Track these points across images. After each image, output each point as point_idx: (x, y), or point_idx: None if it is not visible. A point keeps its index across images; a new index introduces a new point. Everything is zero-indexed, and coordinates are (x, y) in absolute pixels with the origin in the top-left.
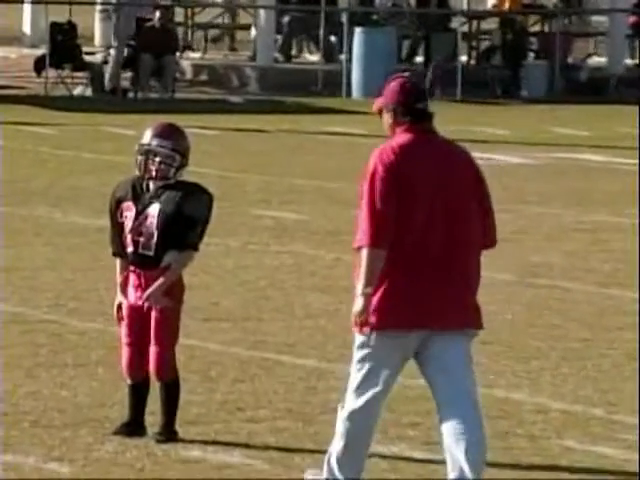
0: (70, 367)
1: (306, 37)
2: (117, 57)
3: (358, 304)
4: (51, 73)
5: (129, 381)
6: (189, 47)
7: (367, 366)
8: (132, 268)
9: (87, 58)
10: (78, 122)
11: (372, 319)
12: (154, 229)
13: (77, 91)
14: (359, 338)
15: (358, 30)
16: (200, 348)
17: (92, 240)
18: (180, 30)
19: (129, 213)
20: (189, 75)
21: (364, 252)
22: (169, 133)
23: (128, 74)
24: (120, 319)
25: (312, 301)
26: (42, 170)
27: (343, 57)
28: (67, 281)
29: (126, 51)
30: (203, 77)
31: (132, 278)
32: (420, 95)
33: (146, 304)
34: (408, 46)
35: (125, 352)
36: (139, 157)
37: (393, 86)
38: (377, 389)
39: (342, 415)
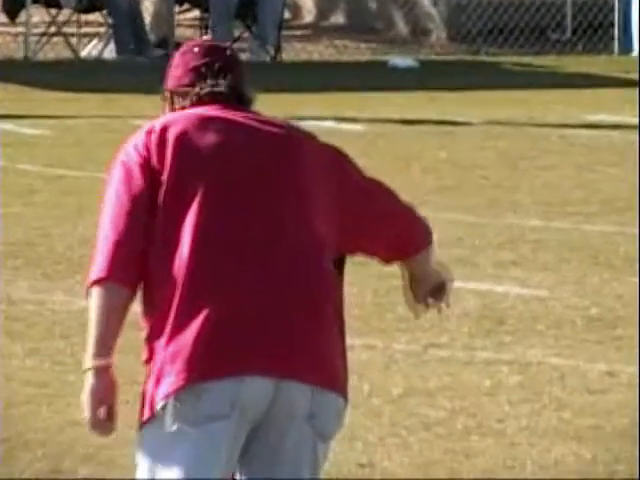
0: None
1: None
2: None
3: (87, 388)
4: (36, 17)
5: None
6: None
7: (178, 462)
8: None
9: None
10: (93, 113)
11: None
12: None
13: (88, 50)
14: (151, 431)
15: None
16: None
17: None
18: None
19: None
20: (310, 16)
21: (92, 293)
22: None
23: (189, 14)
24: None
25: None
26: (25, 209)
27: None
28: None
29: None
30: (338, 18)
31: None
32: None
33: None
34: None
35: None
36: None
37: (177, 55)
38: None
39: None
